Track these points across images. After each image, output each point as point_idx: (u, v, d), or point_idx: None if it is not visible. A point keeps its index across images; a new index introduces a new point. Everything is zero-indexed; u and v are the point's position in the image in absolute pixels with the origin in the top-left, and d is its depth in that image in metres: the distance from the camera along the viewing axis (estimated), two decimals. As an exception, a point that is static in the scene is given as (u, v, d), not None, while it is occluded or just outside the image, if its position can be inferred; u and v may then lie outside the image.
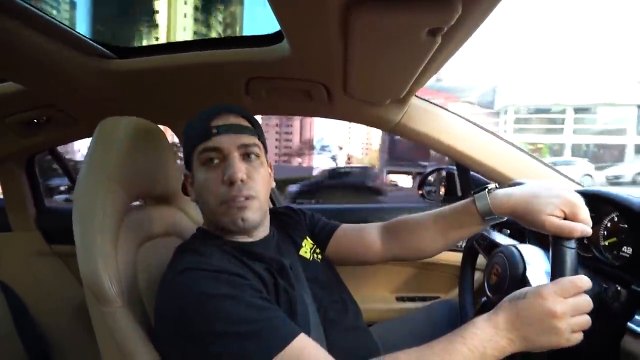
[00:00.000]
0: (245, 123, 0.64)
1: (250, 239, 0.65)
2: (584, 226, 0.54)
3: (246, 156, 0.62)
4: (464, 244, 1.13)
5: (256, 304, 0.51)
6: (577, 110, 17.89)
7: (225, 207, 0.60)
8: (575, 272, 0.52)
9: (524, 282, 0.62)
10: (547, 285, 0.50)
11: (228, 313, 0.49)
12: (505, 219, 0.67)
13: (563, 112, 17.84)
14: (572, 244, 0.54)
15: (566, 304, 0.49)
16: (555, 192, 0.57)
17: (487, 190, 0.64)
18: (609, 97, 17.20)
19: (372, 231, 0.81)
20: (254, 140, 0.64)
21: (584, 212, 0.55)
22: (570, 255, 0.53)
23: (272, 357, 0.47)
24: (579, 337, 0.49)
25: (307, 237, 0.79)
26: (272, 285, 0.59)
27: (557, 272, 0.52)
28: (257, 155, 0.64)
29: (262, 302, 0.53)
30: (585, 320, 0.50)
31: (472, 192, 0.66)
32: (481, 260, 0.86)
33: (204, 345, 0.49)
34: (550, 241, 0.55)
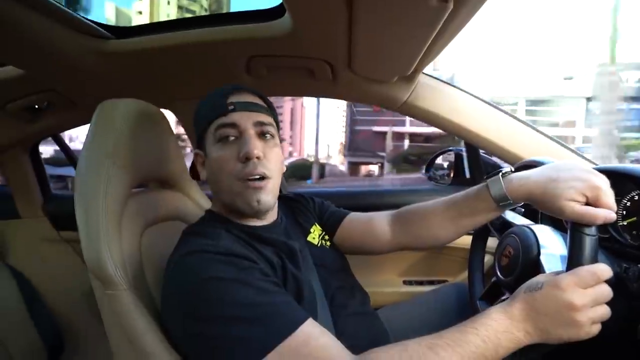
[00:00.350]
0: (261, 102, 0.63)
1: (259, 223, 0.64)
2: (607, 212, 0.50)
3: (262, 135, 0.61)
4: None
5: (264, 287, 0.50)
6: (530, 103, 17.69)
7: (240, 186, 0.58)
8: (595, 261, 0.49)
9: (537, 266, 0.59)
10: (565, 275, 0.47)
11: (236, 297, 0.48)
12: (522, 204, 0.63)
13: (515, 104, 17.63)
14: (593, 230, 0.50)
15: (585, 295, 0.46)
16: (577, 174, 0.53)
17: (501, 174, 0.60)
18: (560, 90, 17.16)
19: (381, 220, 0.78)
20: (270, 119, 0.63)
21: (609, 197, 0.51)
22: (590, 242, 0.49)
23: (279, 342, 0.46)
24: (597, 328, 0.47)
25: (316, 224, 0.78)
26: (280, 269, 0.58)
27: (574, 260, 0.49)
28: (272, 136, 0.63)
29: (271, 286, 0.52)
30: (605, 311, 0.47)
31: (485, 176, 0.63)
32: (492, 243, 0.84)
33: (210, 328, 0.48)
34: (569, 227, 0.51)
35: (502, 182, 0.60)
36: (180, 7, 37.58)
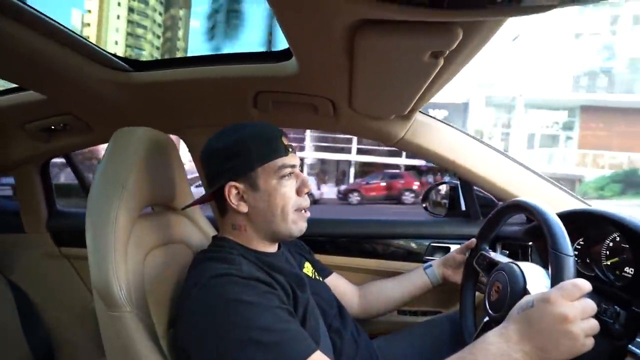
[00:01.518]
0: None
1: (270, 250, 0.69)
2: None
3: None
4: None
5: (281, 315, 0.54)
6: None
7: (298, 215, 0.67)
8: (575, 277, 0.53)
9: (524, 295, 0.63)
10: (551, 290, 0.50)
11: (258, 321, 0.52)
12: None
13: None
14: (569, 250, 0.56)
15: (574, 306, 0.48)
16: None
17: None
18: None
19: (351, 293, 0.95)
20: None
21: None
22: (568, 262, 0.55)
23: None
24: (591, 342, 0.49)
25: (308, 262, 0.84)
26: (291, 297, 0.61)
27: (557, 278, 0.54)
28: None
29: (286, 314, 0.55)
30: (594, 324, 0.49)
31: (423, 267, 0.96)
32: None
33: (227, 349, 0.51)
34: (549, 252, 0.57)
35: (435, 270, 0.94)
36: (130, 22, 37.44)
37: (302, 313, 0.61)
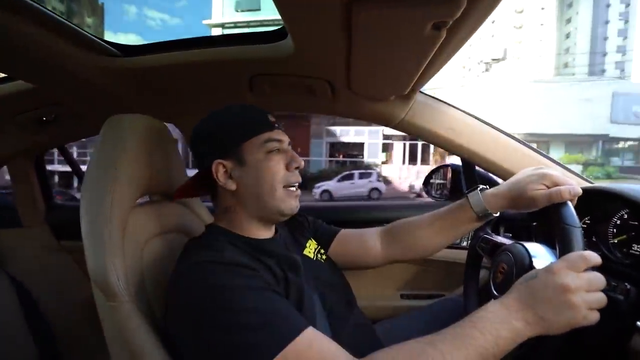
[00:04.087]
0: None
1: (262, 236, 0.67)
2: (568, 186, 0.59)
3: None
4: (465, 243, 1.13)
5: (267, 295, 0.53)
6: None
7: (284, 192, 0.65)
8: (584, 249, 0.52)
9: None
10: (557, 261, 0.50)
11: (241, 303, 0.50)
12: (498, 214, 0.72)
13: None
14: (576, 222, 0.55)
15: (578, 277, 0.48)
16: (530, 172, 0.66)
17: (479, 189, 0.72)
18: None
19: (372, 235, 0.84)
20: None
21: (561, 178, 0.62)
22: (575, 233, 0.53)
23: (283, 347, 0.48)
24: (596, 315, 0.48)
25: (312, 239, 0.80)
26: (282, 281, 0.60)
27: (565, 251, 0.52)
28: None
29: (273, 294, 0.54)
30: (601, 297, 0.49)
31: (465, 192, 0.73)
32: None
33: (216, 335, 0.50)
34: (555, 225, 0.56)
35: (480, 196, 0.71)
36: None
37: (297, 296, 0.59)
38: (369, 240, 0.83)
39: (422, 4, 0.47)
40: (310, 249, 0.77)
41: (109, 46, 0.81)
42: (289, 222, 0.80)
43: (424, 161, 15.44)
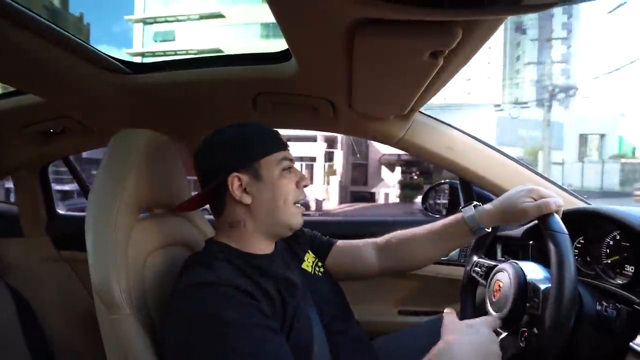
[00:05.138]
0: None
1: (261, 252, 0.67)
2: (553, 199, 0.65)
3: None
4: (463, 260, 1.13)
5: (258, 335, 0.53)
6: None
7: (295, 208, 0.68)
8: (573, 255, 0.57)
9: (526, 289, 0.65)
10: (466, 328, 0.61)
11: (229, 341, 0.51)
12: (490, 229, 0.76)
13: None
14: (563, 229, 0.59)
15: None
16: (519, 188, 0.71)
17: (472, 205, 0.76)
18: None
19: (367, 246, 0.86)
20: None
21: (547, 191, 0.67)
22: (563, 238, 0.58)
23: None
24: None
25: (309, 251, 0.81)
26: (279, 303, 0.60)
27: (556, 256, 0.57)
28: None
29: (265, 332, 0.54)
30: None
31: (460, 207, 0.77)
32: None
33: None
34: (544, 232, 0.60)
35: (474, 211, 0.75)
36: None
37: (290, 318, 0.60)
38: (364, 252, 0.85)
39: (420, 34, 0.50)
40: (309, 262, 0.78)
41: (119, 64, 0.84)
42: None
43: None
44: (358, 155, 17.08)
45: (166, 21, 24.56)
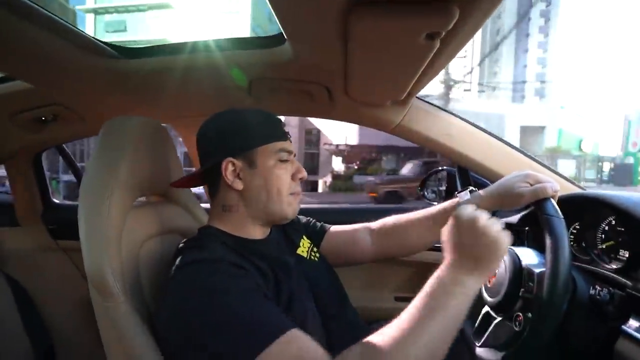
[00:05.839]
0: None
1: (256, 237, 0.68)
2: (550, 184, 0.64)
3: None
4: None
5: (253, 298, 0.53)
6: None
7: (292, 199, 0.68)
8: (568, 239, 0.57)
9: (521, 274, 0.65)
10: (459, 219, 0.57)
11: (227, 306, 0.51)
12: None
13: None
14: (558, 213, 0.59)
15: (481, 217, 0.55)
16: (515, 173, 0.70)
17: (469, 190, 0.74)
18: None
19: (362, 231, 0.86)
20: None
21: (543, 176, 0.67)
22: (557, 222, 0.58)
23: (263, 349, 0.48)
24: (508, 235, 0.55)
25: (304, 237, 0.81)
26: (273, 282, 0.60)
27: (550, 237, 0.57)
28: None
29: (259, 297, 0.54)
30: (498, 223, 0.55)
31: (456, 192, 0.76)
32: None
33: (196, 338, 0.51)
34: (540, 217, 0.60)
35: (470, 196, 0.73)
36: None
37: (287, 299, 0.60)
38: (359, 236, 0.86)
39: (416, 15, 0.48)
40: (304, 247, 0.78)
41: (108, 48, 0.82)
42: None
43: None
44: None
45: (116, 11, 25.08)
